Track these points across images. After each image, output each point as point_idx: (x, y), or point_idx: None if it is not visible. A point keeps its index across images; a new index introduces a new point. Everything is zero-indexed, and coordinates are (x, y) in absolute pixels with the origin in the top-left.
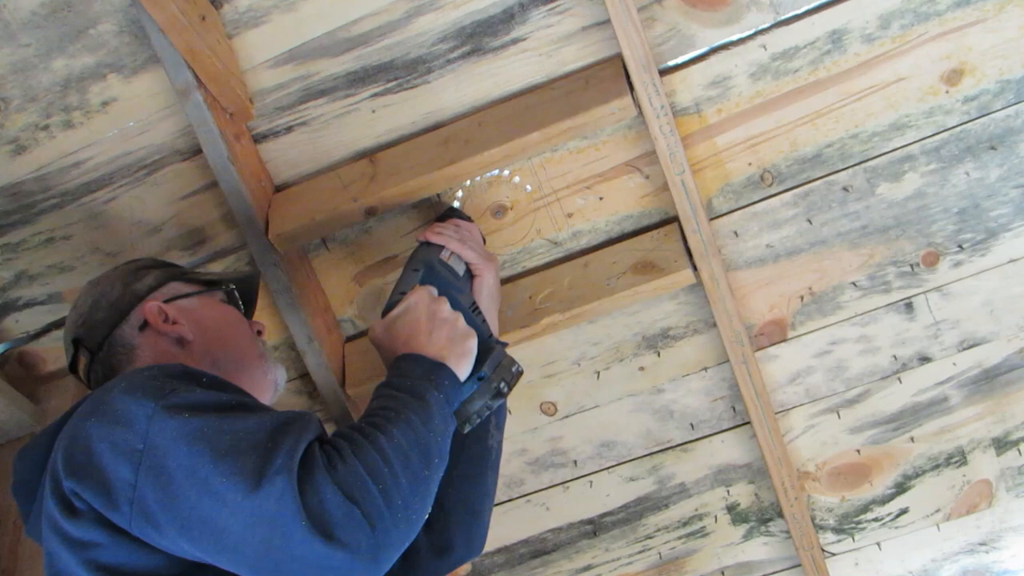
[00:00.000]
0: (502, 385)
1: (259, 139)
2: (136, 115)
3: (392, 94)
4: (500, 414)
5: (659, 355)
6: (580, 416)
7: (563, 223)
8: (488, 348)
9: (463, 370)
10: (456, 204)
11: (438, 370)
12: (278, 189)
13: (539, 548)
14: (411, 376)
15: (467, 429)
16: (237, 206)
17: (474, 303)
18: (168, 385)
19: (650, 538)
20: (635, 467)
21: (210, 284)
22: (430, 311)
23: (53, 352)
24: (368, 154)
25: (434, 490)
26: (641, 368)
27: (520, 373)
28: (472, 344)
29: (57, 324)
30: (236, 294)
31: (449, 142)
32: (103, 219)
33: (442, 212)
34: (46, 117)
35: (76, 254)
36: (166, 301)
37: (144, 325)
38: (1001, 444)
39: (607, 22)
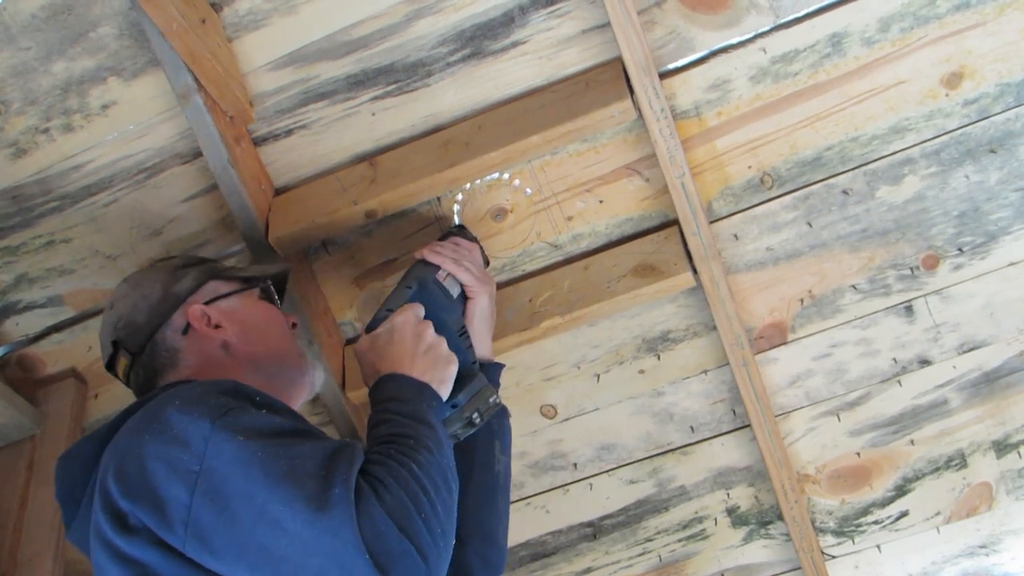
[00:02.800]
0: (475, 416)
1: (259, 142)
2: (136, 118)
3: (392, 97)
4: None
5: (659, 358)
6: (580, 419)
7: (563, 226)
8: (469, 375)
9: (442, 394)
10: (457, 220)
11: (427, 393)
12: (278, 192)
13: (539, 551)
14: (406, 400)
15: None
16: (237, 209)
17: (463, 327)
18: (224, 406)
19: (650, 541)
20: (635, 470)
21: (247, 281)
22: (415, 333)
23: (53, 355)
24: (368, 157)
25: (456, 512)
26: (641, 371)
27: (496, 406)
28: (453, 371)
29: (57, 327)
30: (273, 290)
31: (449, 145)
32: (103, 222)
33: (446, 230)
34: (46, 120)
35: (76, 257)
36: (207, 303)
37: (187, 328)
38: (1001, 447)
39: (607, 25)
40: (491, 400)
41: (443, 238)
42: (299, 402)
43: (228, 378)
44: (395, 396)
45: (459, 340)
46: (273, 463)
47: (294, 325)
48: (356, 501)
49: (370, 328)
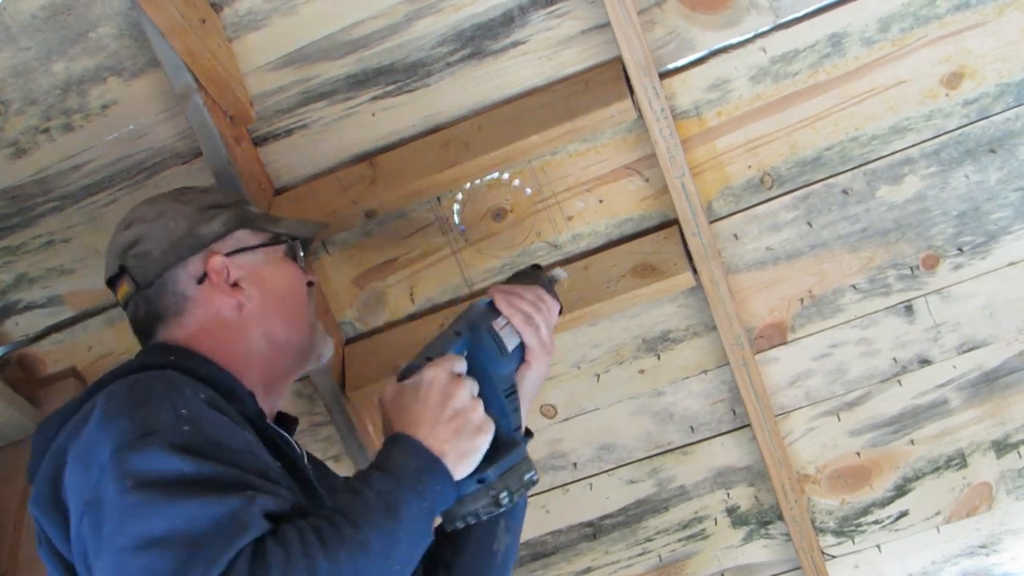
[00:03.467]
0: (503, 495)
1: (259, 142)
2: (136, 118)
3: (392, 97)
4: (514, 517)
5: (659, 358)
6: (580, 419)
7: (563, 226)
8: (508, 444)
9: (462, 469)
10: (560, 274)
11: (430, 470)
12: (278, 192)
13: (539, 551)
14: (398, 473)
15: (451, 528)
16: None
17: (513, 386)
18: (136, 431)
19: (650, 540)
20: (635, 470)
21: (276, 237)
22: (444, 394)
23: (53, 355)
24: (368, 157)
25: None
26: (641, 371)
27: (532, 483)
28: (482, 442)
29: (57, 327)
30: (299, 248)
31: (449, 145)
32: (103, 222)
33: (531, 273)
34: (46, 120)
35: (76, 257)
36: (230, 254)
37: (203, 278)
38: (1001, 447)
39: (607, 25)
40: (526, 478)
41: (524, 277)
42: (298, 374)
43: (227, 347)
44: (391, 466)
45: (505, 402)
46: (148, 522)
47: (310, 284)
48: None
49: (402, 376)
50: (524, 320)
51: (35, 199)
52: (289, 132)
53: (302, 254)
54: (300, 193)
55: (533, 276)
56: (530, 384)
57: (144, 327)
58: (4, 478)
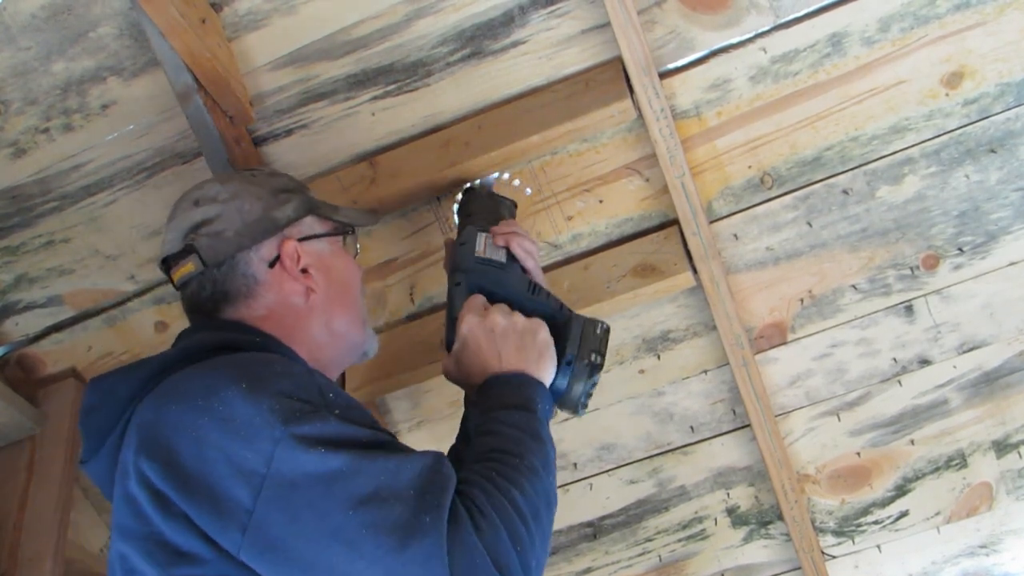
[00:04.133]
0: (595, 357)
1: (259, 142)
2: (136, 118)
3: (392, 97)
4: None
5: (659, 358)
6: (580, 419)
7: (563, 226)
8: (565, 322)
9: (549, 371)
10: (485, 180)
11: (531, 389)
12: None
13: None
14: (512, 404)
15: (582, 413)
16: None
17: (531, 283)
18: (299, 407)
19: (650, 541)
20: (635, 470)
21: (340, 225)
22: (486, 330)
23: (53, 355)
24: (368, 157)
25: (550, 539)
26: (641, 371)
27: (607, 331)
28: (544, 337)
29: (57, 327)
30: (357, 241)
31: (449, 145)
32: (103, 222)
33: (482, 198)
34: (46, 120)
35: (76, 257)
36: (301, 239)
37: (275, 261)
38: (1001, 447)
39: (607, 25)
40: (598, 331)
41: (476, 205)
42: (347, 365)
43: (293, 334)
44: (499, 403)
45: (536, 299)
46: (355, 480)
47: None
48: (450, 528)
49: (449, 347)
50: (517, 240)
51: (35, 199)
52: (289, 132)
53: (358, 246)
54: None
55: (486, 203)
56: (533, 270)
57: (206, 307)
58: (4, 478)
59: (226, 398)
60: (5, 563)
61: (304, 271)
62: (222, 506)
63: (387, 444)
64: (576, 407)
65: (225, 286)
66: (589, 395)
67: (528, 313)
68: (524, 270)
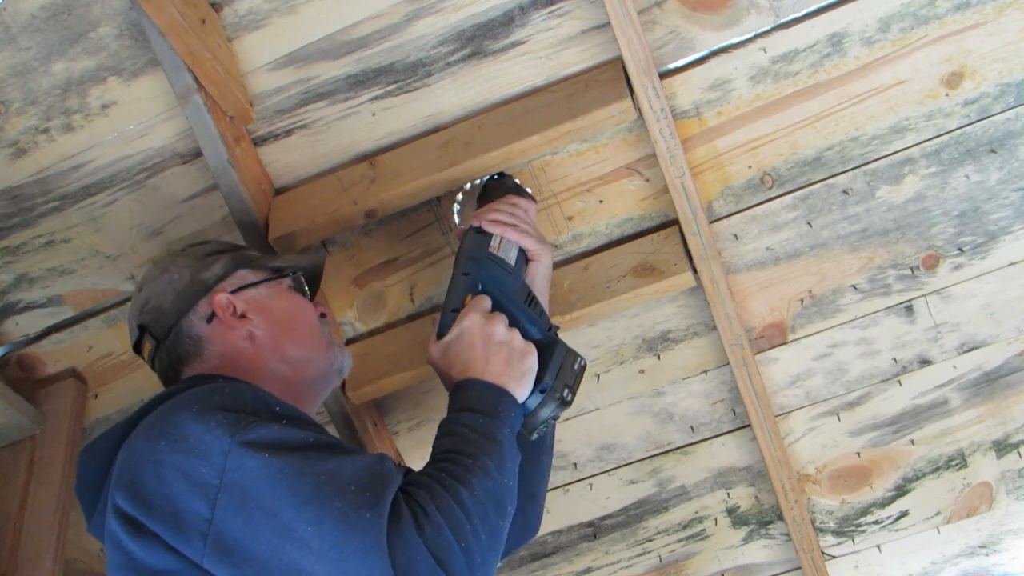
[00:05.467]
0: (566, 393)
1: (259, 142)
2: (136, 118)
3: (392, 97)
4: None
5: (659, 358)
6: (580, 419)
7: (563, 226)
8: (549, 345)
9: (524, 391)
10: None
11: (502, 400)
12: (278, 192)
13: (539, 551)
14: (478, 409)
15: (535, 437)
16: (237, 209)
17: (529, 294)
18: (244, 418)
19: (650, 541)
20: (635, 470)
21: (277, 270)
22: (484, 335)
23: (53, 355)
24: (368, 157)
25: (505, 537)
26: (641, 371)
27: (583, 368)
28: (531, 362)
29: (57, 327)
30: (303, 280)
31: (449, 145)
32: (103, 222)
33: (494, 185)
34: (46, 120)
35: (76, 257)
36: (234, 291)
37: (212, 317)
38: (1001, 447)
39: (607, 25)
40: (576, 367)
41: (490, 194)
42: (326, 392)
43: (251, 375)
44: (468, 405)
45: (530, 311)
46: (299, 480)
47: (323, 315)
48: (391, 525)
49: (440, 334)
50: (515, 229)
51: (35, 199)
52: (289, 132)
53: (307, 287)
54: (300, 193)
55: (498, 186)
56: (541, 279)
57: (170, 376)
58: (4, 478)
59: (178, 422)
60: (5, 563)
61: (243, 316)
62: (183, 519)
63: (331, 447)
64: (533, 431)
65: (177, 352)
66: (548, 426)
67: (519, 325)
68: (527, 274)
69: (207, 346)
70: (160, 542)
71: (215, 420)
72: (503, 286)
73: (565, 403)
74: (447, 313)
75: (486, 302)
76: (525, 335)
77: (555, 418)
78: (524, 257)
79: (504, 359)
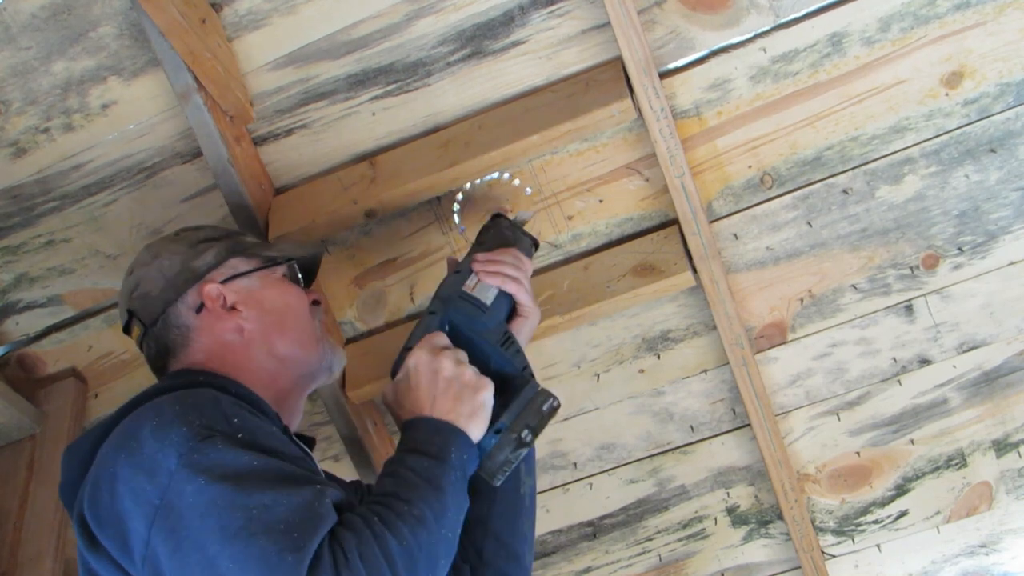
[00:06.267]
0: (524, 434)
1: (259, 142)
2: (136, 118)
3: (392, 97)
4: (530, 460)
5: (659, 357)
6: (580, 418)
7: (563, 225)
8: (519, 385)
9: (477, 428)
10: (519, 215)
11: (451, 439)
12: (278, 192)
13: (539, 550)
14: (425, 451)
15: (498, 482)
16: (237, 209)
17: (507, 335)
18: (198, 433)
19: (650, 540)
20: (635, 469)
21: (271, 260)
22: (431, 371)
23: (53, 354)
24: (368, 156)
25: None
26: (641, 370)
27: (554, 409)
28: (484, 397)
29: (57, 327)
30: (297, 270)
31: (449, 145)
32: (103, 222)
33: (500, 230)
34: (46, 120)
35: (76, 257)
36: (224, 281)
37: (201, 307)
38: (1001, 446)
39: (607, 25)
40: (545, 408)
41: (498, 238)
42: (314, 386)
43: (238, 370)
44: (414, 446)
45: (502, 352)
46: (230, 514)
47: (316, 303)
48: (311, 570)
49: (394, 373)
50: (514, 284)
51: (35, 199)
52: (289, 132)
53: (300, 276)
54: (300, 193)
55: (505, 235)
56: (524, 337)
57: (157, 364)
58: (4, 478)
59: (138, 436)
60: (5, 563)
61: (233, 308)
62: (127, 538)
63: (274, 471)
64: (493, 475)
65: (164, 340)
66: (508, 469)
67: (490, 363)
68: (513, 310)
69: (195, 336)
70: (111, 559)
71: (169, 438)
72: (474, 324)
73: (523, 444)
74: (401, 352)
75: (439, 338)
76: (489, 371)
77: (514, 461)
78: (511, 306)
79: (453, 395)
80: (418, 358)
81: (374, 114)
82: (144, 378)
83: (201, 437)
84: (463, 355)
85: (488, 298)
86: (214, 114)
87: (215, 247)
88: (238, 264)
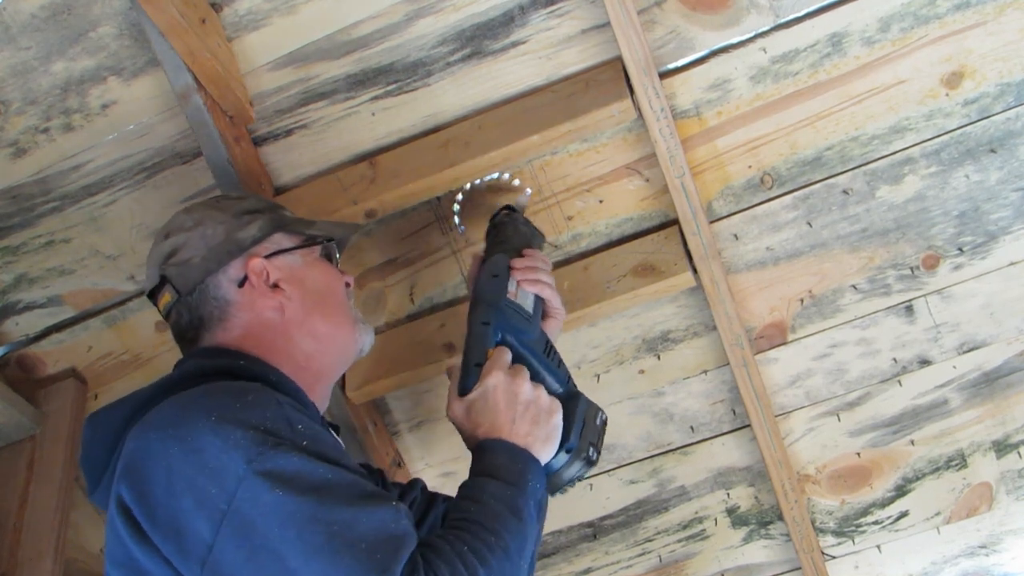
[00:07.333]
0: (591, 452)
1: (259, 142)
2: (136, 118)
3: (392, 97)
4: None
5: (659, 358)
6: None
7: (563, 226)
8: (572, 400)
9: (549, 452)
10: (519, 200)
11: (528, 466)
12: (278, 192)
13: (539, 551)
14: (504, 478)
15: (553, 495)
16: None
17: (548, 344)
18: (264, 440)
19: (650, 541)
20: (635, 470)
21: (312, 238)
22: (509, 393)
23: (53, 355)
24: (368, 157)
25: None
26: (641, 371)
27: (605, 423)
28: (557, 421)
29: (57, 327)
30: (335, 250)
31: (449, 145)
32: (103, 222)
33: (519, 225)
34: (46, 120)
35: (76, 257)
36: (268, 256)
37: (243, 281)
38: (1001, 447)
39: (607, 25)
40: (598, 423)
41: (516, 237)
42: (344, 370)
43: (274, 351)
44: (494, 473)
45: (550, 363)
46: (311, 527)
47: (347, 285)
48: None
49: (463, 390)
50: (549, 289)
51: (35, 199)
52: (289, 132)
53: (338, 255)
54: (300, 193)
55: (523, 231)
56: (555, 334)
57: (188, 334)
58: (4, 478)
59: (195, 428)
60: (5, 563)
61: (275, 286)
62: (185, 538)
63: (350, 486)
64: (556, 490)
65: (200, 311)
66: (572, 485)
67: (540, 377)
68: (545, 312)
69: (233, 312)
70: (160, 555)
71: (234, 438)
72: (522, 336)
73: (591, 462)
74: (469, 367)
75: (507, 355)
76: (548, 389)
77: (580, 478)
78: (542, 309)
79: (531, 419)
80: (497, 378)
81: (374, 114)
82: (145, 379)
83: (271, 444)
84: (528, 373)
85: (529, 305)
86: (214, 114)
87: (259, 219)
88: (281, 240)
